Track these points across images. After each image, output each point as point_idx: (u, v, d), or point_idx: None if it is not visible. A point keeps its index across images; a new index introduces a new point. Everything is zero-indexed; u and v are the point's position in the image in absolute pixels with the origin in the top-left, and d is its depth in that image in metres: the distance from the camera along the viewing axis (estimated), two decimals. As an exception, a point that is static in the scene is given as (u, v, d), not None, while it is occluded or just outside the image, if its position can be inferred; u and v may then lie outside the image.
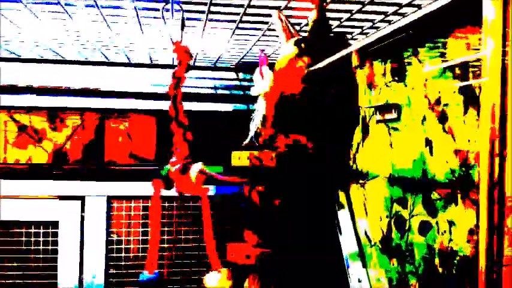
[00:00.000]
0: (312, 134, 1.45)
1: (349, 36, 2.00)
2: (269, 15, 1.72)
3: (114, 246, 2.89)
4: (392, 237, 2.06)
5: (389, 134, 2.08)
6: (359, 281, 2.26)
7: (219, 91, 2.93)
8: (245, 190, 2.29)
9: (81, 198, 2.80)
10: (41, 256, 2.77)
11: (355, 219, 2.41)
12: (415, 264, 1.89)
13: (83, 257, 2.79)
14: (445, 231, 1.70)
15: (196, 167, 1.41)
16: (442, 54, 1.74)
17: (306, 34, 1.57)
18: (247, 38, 2.09)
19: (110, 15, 1.74)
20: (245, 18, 1.76)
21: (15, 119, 2.91)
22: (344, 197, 2.49)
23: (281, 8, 1.62)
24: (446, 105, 1.70)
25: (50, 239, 2.77)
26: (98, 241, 2.82)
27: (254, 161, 1.49)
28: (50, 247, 2.78)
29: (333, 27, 1.85)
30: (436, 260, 1.75)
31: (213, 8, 1.64)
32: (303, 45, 1.46)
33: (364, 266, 2.29)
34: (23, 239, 2.75)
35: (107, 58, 2.69)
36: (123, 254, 2.89)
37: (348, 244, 2.36)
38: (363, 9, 1.64)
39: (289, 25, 1.62)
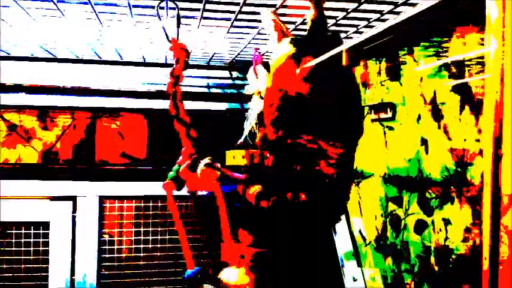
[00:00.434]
0: (312, 133, 1.44)
1: (344, 34, 2.00)
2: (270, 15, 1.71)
3: (106, 247, 2.85)
4: (387, 236, 2.07)
5: (384, 133, 2.08)
6: (354, 280, 2.26)
7: (213, 90, 2.91)
8: (239, 189, 2.27)
9: (73, 199, 2.76)
10: (32, 257, 2.73)
11: (349, 218, 2.41)
12: (410, 263, 1.89)
13: (74, 258, 2.75)
14: (440, 230, 1.71)
15: (203, 162, 1.38)
16: (438, 53, 1.74)
17: (301, 32, 1.56)
18: (241, 36, 2.08)
19: (103, 12, 1.71)
20: (240, 16, 1.75)
21: (4, 118, 2.86)
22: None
23: (277, 6, 1.61)
24: (441, 104, 1.70)
25: (41, 240, 2.73)
26: (90, 241, 2.78)
27: (254, 158, 1.48)
28: (40, 248, 2.73)
29: (329, 25, 1.84)
30: (432, 259, 1.76)
31: (207, 6, 1.63)
32: (300, 44, 1.45)
33: (359, 265, 2.29)
34: (13, 240, 2.71)
35: (98, 56, 2.65)
36: (115, 255, 2.86)
37: (342, 243, 2.36)
38: (359, 8, 1.64)
39: (281, 24, 1.61)
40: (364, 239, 2.28)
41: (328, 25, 1.84)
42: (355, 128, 1.53)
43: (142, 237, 2.87)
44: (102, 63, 2.77)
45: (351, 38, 2.04)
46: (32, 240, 2.73)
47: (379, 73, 2.13)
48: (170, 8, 1.62)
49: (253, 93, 1.79)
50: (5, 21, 1.86)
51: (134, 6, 1.63)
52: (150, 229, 2.88)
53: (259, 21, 1.81)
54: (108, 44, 2.30)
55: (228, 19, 1.79)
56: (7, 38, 2.19)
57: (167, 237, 2.88)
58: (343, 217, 2.42)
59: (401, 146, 1.95)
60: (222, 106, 2.94)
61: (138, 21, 1.82)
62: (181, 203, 2.86)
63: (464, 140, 1.58)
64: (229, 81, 2.92)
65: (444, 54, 1.70)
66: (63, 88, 2.78)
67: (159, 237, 2.87)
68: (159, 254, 2.86)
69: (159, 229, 2.88)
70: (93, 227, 2.78)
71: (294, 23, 1.82)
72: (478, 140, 1.52)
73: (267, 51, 2.36)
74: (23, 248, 2.72)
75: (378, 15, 1.72)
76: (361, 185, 2.31)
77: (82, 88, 2.80)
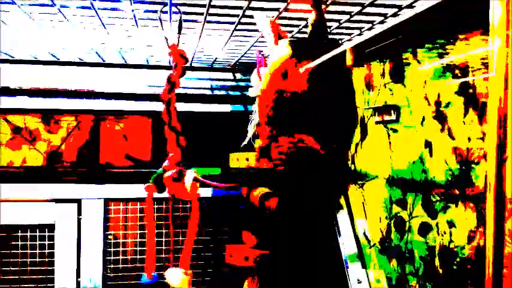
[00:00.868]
0: (311, 134, 1.44)
1: (347, 37, 2.00)
2: (268, 17, 1.71)
3: (112, 249, 2.87)
4: (391, 238, 2.06)
5: (388, 135, 2.08)
6: (358, 282, 2.26)
7: (216, 92, 2.91)
8: (243, 192, 2.28)
9: (78, 201, 2.77)
10: (37, 259, 2.75)
11: (354, 220, 2.41)
12: (414, 265, 1.89)
13: (79, 260, 2.76)
14: (445, 232, 1.70)
15: (190, 176, 1.40)
16: (441, 55, 1.74)
17: (303, 35, 1.56)
18: (245, 39, 2.08)
19: (107, 16, 1.72)
20: (243, 20, 1.75)
21: (9, 120, 2.88)
22: (343, 198, 2.48)
23: (280, 10, 1.61)
24: (446, 106, 1.70)
25: (47, 242, 2.75)
26: (95, 244, 2.79)
27: (261, 162, 1.49)
28: (46, 250, 2.75)
29: (332, 28, 1.84)
30: (436, 261, 1.76)
31: (211, 10, 1.63)
32: (297, 46, 1.45)
33: (364, 267, 2.29)
34: (19, 242, 2.72)
35: (102, 59, 2.66)
36: (120, 257, 2.87)
37: (347, 245, 2.36)
38: (363, 11, 1.64)
39: (279, 29, 1.61)
40: (368, 241, 2.28)
41: (332, 28, 1.84)
42: (349, 128, 1.54)
43: (146, 241, 2.87)
44: (106, 66, 2.78)
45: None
46: (37, 242, 2.75)
47: (382, 75, 2.12)
48: (174, 12, 1.62)
49: (256, 96, 1.79)
50: (9, 25, 1.87)
51: (137, 9, 1.63)
52: (155, 231, 2.88)
53: (263, 24, 1.81)
54: (111, 47, 2.30)
55: (232, 22, 1.79)
56: (11, 41, 2.20)
57: (172, 239, 2.89)
58: (347, 219, 2.42)
59: (405, 148, 1.95)
60: (226, 108, 2.94)
61: (142, 25, 1.83)
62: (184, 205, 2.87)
63: (469, 142, 1.58)
64: (233, 83, 2.92)
65: (448, 56, 1.69)
66: (67, 91, 2.79)
67: (163, 239, 2.88)
68: (163, 255, 2.87)
69: (164, 231, 2.89)
70: (98, 229, 2.79)
71: (297, 26, 1.82)
72: (482, 140, 1.52)
73: (270, 54, 2.36)
74: (28, 251, 2.74)
75: (382, 18, 1.71)
76: (365, 187, 2.30)
77: (86, 91, 2.82)
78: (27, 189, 2.74)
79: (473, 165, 1.56)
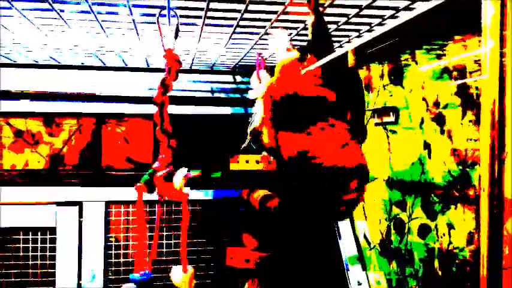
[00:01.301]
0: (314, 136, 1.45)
1: (346, 39, 2.00)
2: (266, 20, 1.72)
3: (113, 251, 2.87)
4: (391, 240, 2.06)
5: (388, 136, 2.08)
6: (359, 283, 2.26)
7: (217, 94, 2.92)
8: (243, 194, 2.28)
9: (79, 204, 2.78)
10: (39, 262, 2.76)
11: (354, 222, 2.41)
12: (414, 267, 1.89)
13: (81, 262, 2.77)
14: (444, 234, 1.70)
15: (180, 174, 1.41)
16: (440, 57, 1.74)
17: (303, 37, 1.57)
18: (244, 41, 2.08)
19: (106, 21, 1.73)
20: (242, 23, 1.75)
21: (11, 124, 2.89)
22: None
23: (278, 13, 1.62)
24: (444, 107, 1.70)
25: (48, 245, 2.76)
26: (96, 246, 2.80)
27: (265, 163, 1.50)
28: (47, 253, 2.76)
29: (330, 30, 1.85)
30: (436, 263, 1.75)
31: (210, 13, 1.64)
32: (303, 49, 1.47)
33: (364, 269, 2.29)
34: (20, 245, 2.74)
35: (103, 63, 2.68)
36: (121, 259, 2.88)
37: (347, 247, 2.36)
38: (360, 14, 1.64)
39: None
40: (368, 243, 2.28)
41: (330, 30, 1.84)
42: (358, 124, 1.54)
43: (148, 242, 2.88)
44: (106, 69, 2.80)
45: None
46: (39, 245, 2.76)
47: (381, 77, 2.13)
48: (172, 16, 1.63)
49: (256, 98, 1.79)
50: (9, 30, 1.88)
51: (136, 13, 1.64)
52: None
53: (262, 27, 1.82)
54: (111, 51, 2.32)
55: (231, 25, 1.80)
56: (12, 46, 2.21)
57: (173, 241, 2.90)
58: (347, 221, 2.42)
59: (404, 150, 1.95)
60: (226, 110, 2.95)
61: (141, 29, 1.84)
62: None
63: (467, 143, 1.58)
64: (233, 86, 2.93)
65: (446, 58, 1.69)
66: (68, 94, 2.81)
67: (164, 241, 2.88)
68: (165, 258, 2.88)
69: (165, 233, 2.89)
70: (99, 232, 2.80)
71: (295, 28, 1.82)
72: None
73: (270, 56, 2.37)
74: (30, 253, 2.75)
75: (379, 20, 1.72)
76: (365, 189, 2.30)
77: (87, 94, 2.83)
78: (29, 192, 2.75)
79: (471, 167, 1.56)
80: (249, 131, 1.84)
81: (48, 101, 2.79)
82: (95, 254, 2.79)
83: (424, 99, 1.82)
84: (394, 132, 2.03)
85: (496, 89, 0.90)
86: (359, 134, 1.52)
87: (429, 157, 1.78)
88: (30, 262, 2.74)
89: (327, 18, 1.70)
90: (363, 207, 2.33)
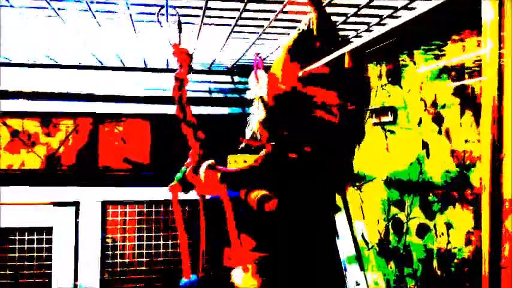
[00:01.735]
0: (313, 136, 1.44)
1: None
2: (264, 19, 1.71)
3: (109, 252, 2.86)
4: (390, 240, 2.06)
5: (386, 136, 2.08)
6: (357, 284, 2.26)
7: (215, 94, 2.92)
8: (241, 194, 2.27)
9: (76, 204, 2.77)
10: (35, 263, 2.74)
11: (352, 222, 2.40)
12: (413, 267, 1.89)
13: (77, 263, 2.76)
14: (442, 234, 1.70)
15: (205, 164, 1.39)
16: (438, 57, 1.74)
17: (302, 37, 1.56)
18: (242, 41, 2.08)
19: (104, 19, 1.72)
20: (240, 22, 1.75)
21: (7, 124, 2.88)
22: (341, 200, 2.48)
23: (276, 12, 1.62)
24: (442, 107, 1.70)
25: (44, 245, 2.74)
26: (93, 247, 2.79)
27: (261, 161, 1.49)
28: (44, 253, 2.74)
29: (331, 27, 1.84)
30: (434, 263, 1.75)
31: (208, 12, 1.63)
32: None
33: (362, 269, 2.29)
34: (16, 245, 2.72)
35: (100, 62, 2.67)
36: (118, 260, 2.86)
37: (345, 247, 2.36)
38: (359, 13, 1.64)
39: None
40: (366, 243, 2.28)
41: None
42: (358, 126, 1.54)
43: (145, 242, 2.87)
44: (103, 68, 2.79)
45: (351, 42, 2.04)
46: (35, 245, 2.74)
47: (379, 77, 2.13)
48: (171, 15, 1.63)
49: (254, 98, 1.79)
50: (7, 29, 1.87)
51: (134, 11, 1.64)
52: (153, 234, 2.88)
53: (260, 26, 1.81)
54: (109, 50, 2.31)
55: (228, 25, 1.80)
56: (9, 45, 2.20)
57: (170, 242, 2.89)
58: (345, 221, 2.42)
59: (402, 150, 1.95)
60: (224, 111, 2.95)
61: (139, 28, 1.83)
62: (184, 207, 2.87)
63: (466, 143, 1.58)
64: (231, 86, 2.92)
65: (444, 58, 1.70)
66: (65, 94, 2.79)
67: (161, 242, 2.87)
68: (161, 258, 2.87)
69: (162, 234, 2.88)
70: (96, 232, 2.79)
71: (294, 28, 1.82)
72: (479, 142, 1.52)
73: (268, 56, 2.37)
74: (26, 254, 2.73)
75: (378, 19, 1.72)
76: (363, 189, 2.30)
77: (84, 94, 2.82)
78: (26, 193, 2.73)
79: (470, 166, 1.56)
80: (246, 131, 1.83)
81: (45, 100, 2.78)
82: (91, 255, 2.78)
83: (422, 99, 1.82)
84: (392, 132, 2.03)
85: (496, 89, 0.90)
86: (357, 132, 1.52)
87: (427, 157, 1.78)
88: (26, 262, 2.73)
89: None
90: (361, 207, 2.33)
